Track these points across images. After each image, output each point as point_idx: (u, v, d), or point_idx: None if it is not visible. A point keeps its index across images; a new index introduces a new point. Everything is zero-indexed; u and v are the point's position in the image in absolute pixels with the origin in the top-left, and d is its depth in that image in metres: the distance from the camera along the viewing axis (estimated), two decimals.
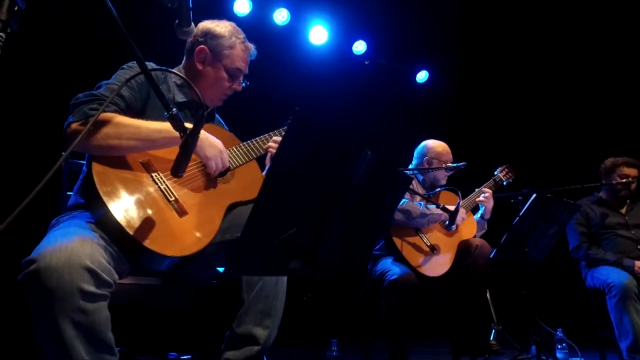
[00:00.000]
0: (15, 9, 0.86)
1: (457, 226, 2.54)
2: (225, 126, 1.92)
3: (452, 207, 2.43)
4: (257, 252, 1.03)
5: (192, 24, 1.37)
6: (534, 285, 2.57)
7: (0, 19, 0.82)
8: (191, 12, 1.35)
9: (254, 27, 3.54)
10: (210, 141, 1.47)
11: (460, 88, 5.07)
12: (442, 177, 2.76)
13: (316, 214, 1.17)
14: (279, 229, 1.06)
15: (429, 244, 2.53)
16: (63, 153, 1.81)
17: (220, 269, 1.60)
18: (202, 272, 1.62)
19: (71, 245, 1.09)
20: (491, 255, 2.37)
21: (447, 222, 2.43)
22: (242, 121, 2.06)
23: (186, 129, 1.18)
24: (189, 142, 1.15)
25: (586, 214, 3.17)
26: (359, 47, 4.72)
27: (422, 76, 5.17)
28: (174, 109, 1.17)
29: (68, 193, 1.80)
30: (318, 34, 4.34)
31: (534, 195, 2.31)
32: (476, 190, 2.76)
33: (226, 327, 1.54)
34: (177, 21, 1.35)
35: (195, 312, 1.74)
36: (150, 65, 1.63)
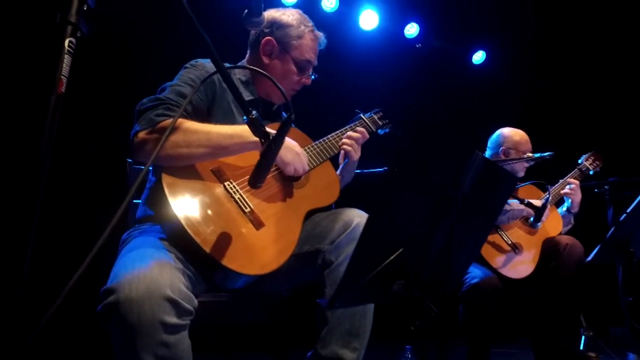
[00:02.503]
0: (85, 8, 0.73)
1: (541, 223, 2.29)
2: (292, 125, 1.77)
3: (537, 202, 2.18)
4: (362, 282, 0.88)
5: (263, 14, 1.23)
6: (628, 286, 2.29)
7: (70, 21, 0.70)
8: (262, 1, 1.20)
9: None
10: (287, 144, 1.33)
11: (523, 67, 4.66)
12: (521, 168, 2.50)
13: (423, 229, 1.00)
14: (386, 253, 0.90)
15: (510, 242, 2.30)
16: (129, 160, 1.76)
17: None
18: (277, 286, 1.50)
19: (150, 274, 0.98)
20: (589, 258, 2.10)
21: (531, 219, 2.19)
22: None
23: (268, 134, 1.03)
24: (272, 149, 1.00)
25: None
26: (411, 30, 4.45)
27: (478, 57, 4.83)
28: (254, 112, 1.03)
29: (134, 201, 1.72)
30: (368, 18, 4.11)
31: None
32: (560, 181, 2.49)
33: (304, 342, 1.41)
34: (246, 11, 1.22)
35: (271, 325, 1.62)
36: (210, 62, 1.50)
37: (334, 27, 3.98)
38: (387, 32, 4.26)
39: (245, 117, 1.04)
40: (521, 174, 2.52)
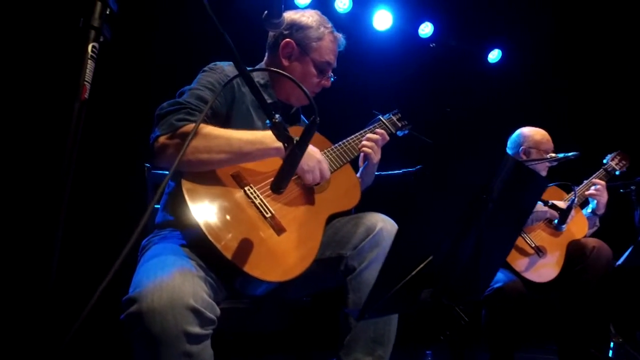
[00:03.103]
0: (107, 12, 0.72)
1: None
2: None
3: (561, 204, 2.12)
4: (392, 292, 0.85)
5: (283, 16, 1.20)
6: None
7: (93, 26, 0.68)
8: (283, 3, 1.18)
9: None
10: (308, 150, 1.30)
11: (541, 65, 4.56)
12: (543, 168, 2.43)
13: (452, 235, 0.96)
14: (415, 261, 0.86)
15: (533, 245, 2.24)
16: (147, 164, 1.75)
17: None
18: (298, 292, 1.47)
19: (172, 283, 0.96)
20: (619, 262, 2.03)
21: (556, 222, 2.13)
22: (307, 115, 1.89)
23: (292, 139, 1.01)
24: (296, 154, 0.97)
25: None
26: (426, 29, 4.40)
27: (494, 55, 4.75)
28: (277, 116, 1.00)
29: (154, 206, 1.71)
30: (382, 19, 4.08)
31: None
32: (585, 181, 2.41)
33: (325, 349, 1.38)
34: (265, 12, 1.19)
35: (292, 331, 1.59)
36: (228, 65, 1.48)
37: (348, 27, 3.94)
38: (401, 32, 4.21)
39: (268, 122, 1.01)
40: (543, 173, 2.46)
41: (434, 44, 4.51)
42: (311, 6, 3.73)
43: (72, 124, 0.66)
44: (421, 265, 0.86)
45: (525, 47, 4.60)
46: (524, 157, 2.45)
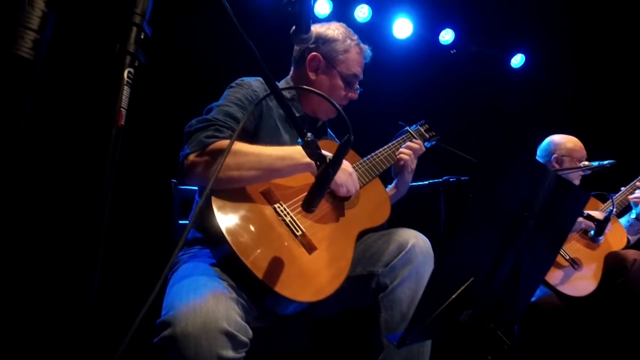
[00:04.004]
0: (142, 36, 0.71)
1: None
2: (337, 139, 1.73)
3: (597, 214, 2.04)
4: (434, 316, 0.81)
5: (311, 30, 1.19)
6: None
7: (129, 51, 0.68)
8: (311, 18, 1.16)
9: None
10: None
11: (567, 69, 4.44)
12: (576, 177, 2.35)
13: (493, 254, 0.92)
14: (457, 283, 0.83)
15: (567, 257, 2.16)
16: (173, 180, 1.75)
17: None
18: (326, 310, 1.44)
19: (206, 306, 0.95)
20: None
21: (592, 233, 2.05)
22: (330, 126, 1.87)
23: (325, 157, 0.98)
24: (329, 174, 0.95)
25: None
26: (446, 36, 4.36)
27: (517, 60, 4.66)
28: (309, 135, 0.98)
29: (180, 222, 1.71)
30: (402, 27, 4.05)
31: None
32: (622, 189, 2.32)
33: None
34: (294, 27, 1.18)
35: (321, 349, 1.55)
36: (255, 80, 1.48)
37: (368, 36, 3.93)
38: (421, 39, 4.18)
39: (300, 140, 1.00)
40: (576, 182, 2.37)
41: (454, 51, 4.46)
42: (331, 16, 3.73)
43: (109, 150, 0.66)
44: (462, 288, 0.83)
45: (550, 50, 4.49)
46: (557, 166, 2.37)
